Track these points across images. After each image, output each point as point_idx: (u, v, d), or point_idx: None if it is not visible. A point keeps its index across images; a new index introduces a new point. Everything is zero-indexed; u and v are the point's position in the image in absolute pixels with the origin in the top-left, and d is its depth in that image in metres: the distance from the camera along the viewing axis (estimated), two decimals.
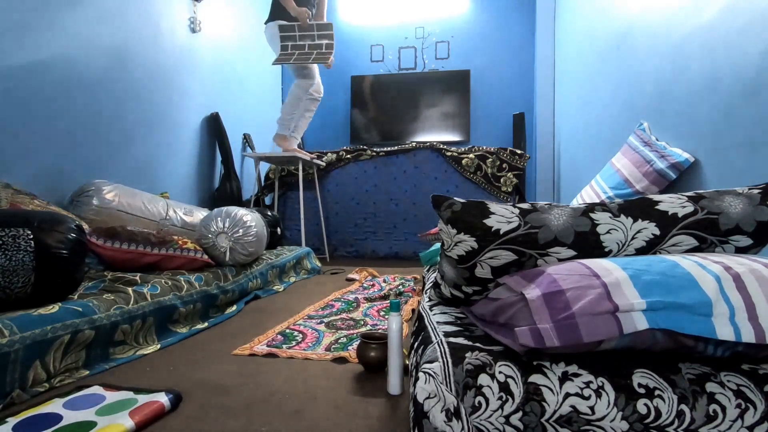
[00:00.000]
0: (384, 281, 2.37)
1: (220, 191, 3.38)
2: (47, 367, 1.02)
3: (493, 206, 0.83)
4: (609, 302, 0.61)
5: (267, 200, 3.87)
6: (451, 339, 0.73)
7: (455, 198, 0.86)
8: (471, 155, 3.43)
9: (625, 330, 0.59)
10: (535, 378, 0.62)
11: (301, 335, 1.42)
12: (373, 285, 2.27)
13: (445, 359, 0.67)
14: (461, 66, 4.35)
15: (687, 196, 0.82)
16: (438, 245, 2.12)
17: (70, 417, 0.84)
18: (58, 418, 0.84)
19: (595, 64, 2.90)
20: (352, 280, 2.47)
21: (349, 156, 3.62)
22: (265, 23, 3.06)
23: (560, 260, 0.78)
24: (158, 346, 1.32)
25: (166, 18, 2.81)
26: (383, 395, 0.98)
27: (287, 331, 1.47)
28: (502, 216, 0.80)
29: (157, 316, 1.37)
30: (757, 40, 1.38)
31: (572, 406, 0.60)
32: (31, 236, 1.10)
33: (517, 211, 0.81)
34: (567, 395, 0.60)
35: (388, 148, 3.61)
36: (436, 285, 1.02)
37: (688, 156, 1.71)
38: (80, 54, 2.16)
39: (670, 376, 0.61)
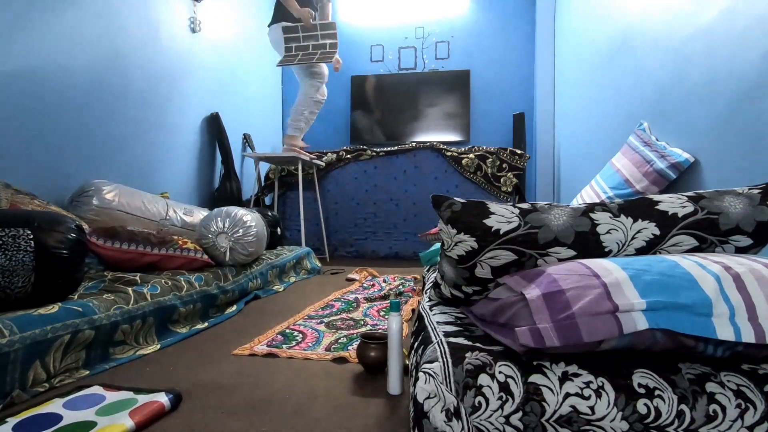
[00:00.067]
0: (384, 281, 2.37)
1: (220, 191, 3.38)
2: (47, 367, 1.02)
3: (493, 206, 0.83)
4: (609, 302, 0.61)
5: (267, 200, 3.87)
6: (451, 339, 0.73)
7: (455, 198, 0.86)
8: (471, 155, 3.43)
9: (625, 330, 0.59)
10: (535, 378, 0.62)
11: (301, 335, 1.42)
12: (373, 285, 2.27)
13: (445, 359, 0.67)
14: (461, 66, 4.35)
15: (687, 196, 0.82)
16: (438, 245, 2.12)
17: (70, 417, 0.84)
18: (58, 418, 0.84)
19: (595, 64, 2.90)
20: (352, 280, 2.47)
21: (349, 156, 3.62)
22: (269, 26, 3.06)
23: (560, 260, 0.78)
24: (158, 346, 1.32)
25: (166, 18, 2.81)
26: (383, 395, 0.98)
27: (287, 331, 1.47)
28: (502, 216, 0.80)
29: (157, 316, 1.37)
30: (756, 43, 1.38)
31: (572, 406, 0.60)
32: (31, 236, 1.10)
33: (517, 211, 0.81)
34: (567, 395, 0.60)
35: (388, 148, 3.61)
36: (436, 285, 1.02)
37: (688, 156, 1.71)
38: (80, 54, 2.16)
39: (670, 376, 0.61)
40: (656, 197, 0.83)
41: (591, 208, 0.82)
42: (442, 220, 0.85)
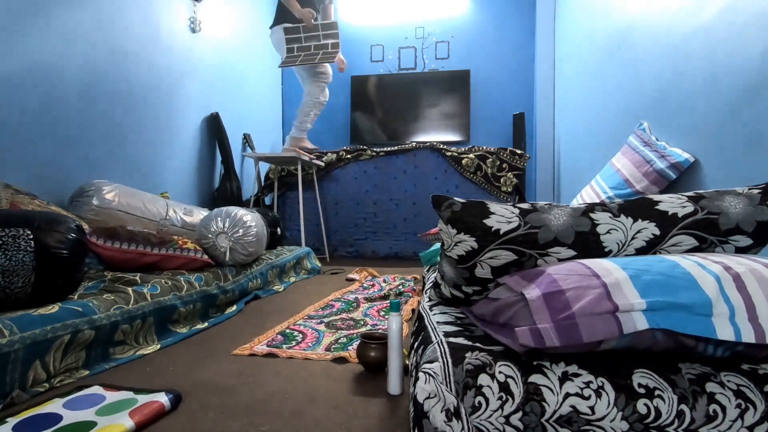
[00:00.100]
0: (384, 281, 2.37)
1: (220, 191, 3.38)
2: (47, 367, 1.02)
3: (493, 206, 0.83)
4: (609, 302, 0.61)
5: (267, 200, 3.87)
6: (451, 339, 0.73)
7: (455, 198, 0.86)
8: (471, 155, 3.43)
9: (625, 330, 0.59)
10: (535, 378, 0.62)
11: (301, 335, 1.42)
12: (373, 285, 2.27)
13: (445, 359, 0.67)
14: (461, 66, 4.35)
15: (687, 196, 0.82)
16: (438, 245, 2.12)
17: (70, 417, 0.84)
18: (58, 418, 0.84)
19: (595, 63, 2.90)
20: (352, 280, 2.47)
21: (349, 156, 3.62)
22: (271, 28, 3.06)
23: (560, 260, 0.78)
24: (158, 346, 1.32)
25: (166, 18, 2.81)
26: (383, 395, 0.98)
27: (287, 331, 1.47)
28: (502, 216, 0.80)
29: (157, 316, 1.37)
30: (756, 40, 1.38)
31: (572, 406, 0.60)
32: (31, 236, 1.10)
33: (517, 211, 0.81)
34: (567, 395, 0.60)
35: (388, 148, 3.61)
36: (436, 285, 1.02)
37: (688, 156, 1.71)
38: (80, 54, 2.16)
39: (670, 376, 0.61)
40: (656, 197, 0.83)
41: (591, 208, 0.82)
42: (442, 220, 0.85)
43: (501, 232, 0.78)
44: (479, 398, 0.62)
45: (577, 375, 0.62)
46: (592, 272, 0.66)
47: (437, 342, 0.73)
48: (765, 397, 0.59)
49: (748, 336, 0.59)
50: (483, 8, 4.34)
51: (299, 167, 3.21)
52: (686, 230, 0.78)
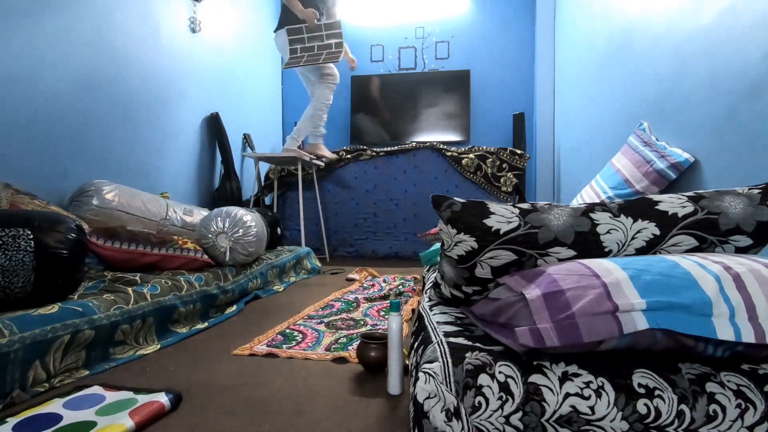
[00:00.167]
0: (384, 281, 2.37)
1: (220, 191, 3.38)
2: (47, 367, 1.02)
3: (493, 206, 0.83)
4: (609, 302, 0.61)
5: (267, 200, 3.87)
6: (451, 339, 0.73)
7: (455, 198, 0.86)
8: (471, 155, 3.43)
9: (625, 330, 0.59)
10: (535, 378, 0.62)
11: (301, 335, 1.42)
12: (373, 285, 2.27)
13: (445, 359, 0.67)
14: (461, 66, 4.35)
15: (687, 196, 0.82)
16: (438, 245, 2.12)
17: (70, 417, 0.84)
18: (58, 418, 0.84)
19: (595, 64, 2.90)
20: (352, 280, 2.47)
21: (349, 156, 3.62)
22: (275, 31, 3.05)
23: (560, 260, 0.78)
24: (158, 346, 1.32)
25: (166, 18, 2.81)
26: (383, 395, 0.98)
27: (287, 331, 1.47)
28: (502, 216, 0.80)
29: (157, 316, 1.37)
30: (756, 42, 1.38)
31: (572, 406, 0.60)
32: (31, 236, 1.10)
33: (517, 211, 0.81)
34: (567, 395, 0.60)
35: (388, 148, 3.61)
36: (436, 285, 1.02)
37: (688, 156, 1.71)
38: (80, 54, 2.16)
39: (670, 376, 0.61)
40: (656, 197, 0.83)
41: (591, 208, 0.82)
42: (442, 220, 0.85)
43: (501, 232, 0.78)
44: (479, 398, 0.62)
45: (577, 375, 0.62)
46: (592, 272, 0.66)
47: (437, 342, 0.73)
48: (765, 397, 0.59)
49: (748, 336, 0.59)
50: (483, 8, 4.34)
51: (299, 167, 3.21)
52: (686, 230, 0.78)
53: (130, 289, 1.34)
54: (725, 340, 0.59)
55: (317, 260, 2.94)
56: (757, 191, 0.81)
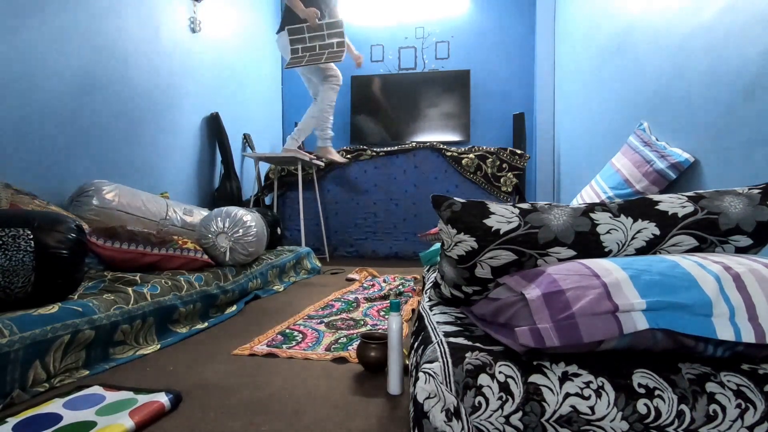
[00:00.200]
0: (384, 281, 2.37)
1: (220, 191, 3.38)
2: (47, 367, 1.02)
3: (493, 206, 0.83)
4: (609, 302, 0.61)
5: (267, 200, 3.87)
6: (451, 339, 0.73)
7: (455, 198, 0.86)
8: (471, 155, 3.43)
9: (625, 330, 0.59)
10: (535, 378, 0.62)
11: (301, 335, 1.42)
12: (373, 285, 2.27)
13: (445, 359, 0.67)
14: (461, 66, 4.35)
15: (687, 196, 0.82)
16: (438, 245, 2.12)
17: (70, 417, 0.84)
18: (58, 418, 0.84)
19: (595, 63, 2.90)
20: (352, 280, 2.47)
21: (349, 156, 3.62)
22: (277, 33, 3.04)
23: (560, 260, 0.78)
24: (158, 346, 1.32)
25: (166, 18, 2.81)
26: (383, 395, 0.98)
27: (287, 331, 1.47)
28: (502, 216, 0.80)
29: (157, 316, 1.37)
30: (756, 41, 1.38)
31: (572, 406, 0.60)
32: (31, 236, 1.10)
33: (517, 211, 0.81)
34: (567, 395, 0.60)
35: (388, 148, 3.61)
36: (436, 285, 1.02)
37: (688, 156, 1.71)
38: (80, 54, 2.16)
39: (670, 376, 0.61)
40: (656, 197, 0.83)
41: (591, 208, 0.82)
42: (442, 220, 0.85)
43: (501, 232, 0.78)
44: (479, 398, 0.62)
45: (577, 375, 0.62)
46: (592, 272, 0.66)
47: (437, 342, 0.73)
48: (765, 397, 0.59)
49: (748, 336, 0.59)
50: (483, 8, 4.34)
51: (299, 167, 3.21)
52: (686, 230, 0.78)
53: (130, 289, 1.34)
54: (725, 340, 0.59)
55: (317, 260, 2.94)
56: (757, 191, 0.81)
